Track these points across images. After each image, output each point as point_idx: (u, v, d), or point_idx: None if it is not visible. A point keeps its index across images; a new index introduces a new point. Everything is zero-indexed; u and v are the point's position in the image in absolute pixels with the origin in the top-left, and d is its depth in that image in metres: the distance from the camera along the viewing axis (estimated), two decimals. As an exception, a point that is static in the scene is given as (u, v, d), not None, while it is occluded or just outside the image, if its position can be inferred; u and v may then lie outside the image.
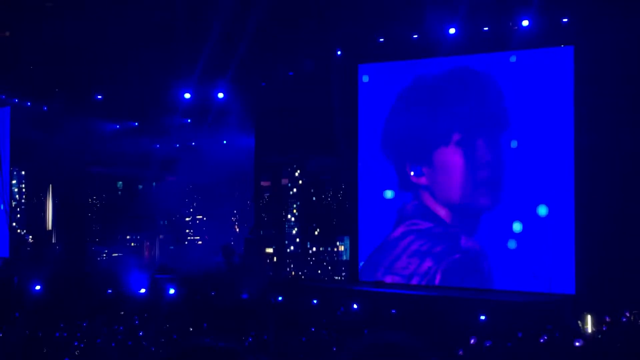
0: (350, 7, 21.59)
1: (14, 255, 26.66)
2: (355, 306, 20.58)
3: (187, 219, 30.06)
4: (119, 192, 29.98)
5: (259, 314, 19.95)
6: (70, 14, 21.74)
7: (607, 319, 18.37)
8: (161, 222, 29.99)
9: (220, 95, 25.60)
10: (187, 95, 25.66)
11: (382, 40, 23.31)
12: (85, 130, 27.11)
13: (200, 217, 29.95)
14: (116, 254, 28.13)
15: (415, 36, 22.84)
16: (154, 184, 30.16)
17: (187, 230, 29.97)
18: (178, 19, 22.42)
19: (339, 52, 24.01)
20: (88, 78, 24.18)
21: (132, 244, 29.07)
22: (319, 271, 25.00)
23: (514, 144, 21.84)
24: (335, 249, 25.10)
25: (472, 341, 16.95)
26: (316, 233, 25.97)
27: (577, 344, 16.37)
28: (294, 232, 26.44)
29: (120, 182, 29.99)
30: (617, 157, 19.82)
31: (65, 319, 19.68)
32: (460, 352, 16.26)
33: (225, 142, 28.18)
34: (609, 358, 15.93)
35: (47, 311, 19.94)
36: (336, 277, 24.65)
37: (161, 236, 29.26)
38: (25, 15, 21.83)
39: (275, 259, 26.02)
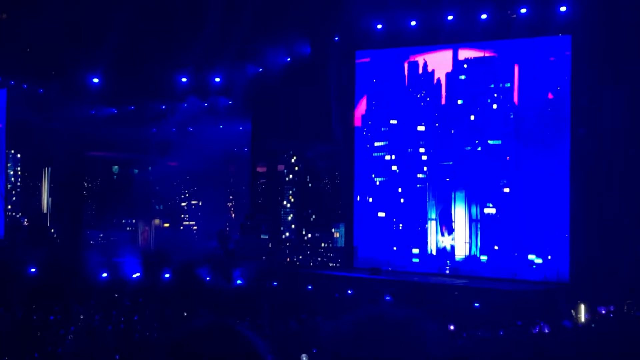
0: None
1: (9, 237, 26.62)
2: (349, 292, 20.62)
3: (182, 204, 30.04)
4: (115, 177, 29.90)
5: (254, 299, 19.97)
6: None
7: (602, 309, 18.44)
8: (157, 207, 29.93)
9: (217, 79, 25.55)
10: (184, 80, 25.61)
11: (380, 27, 23.26)
12: (82, 113, 27.07)
13: (196, 202, 29.93)
14: (112, 238, 28.07)
15: (414, 23, 22.80)
16: (149, 168, 30.09)
17: (183, 215, 29.94)
18: (176, 3, 22.36)
19: (336, 39, 23.95)
20: (86, 61, 24.08)
21: (128, 228, 29.02)
22: (314, 257, 24.99)
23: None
24: (331, 236, 25.11)
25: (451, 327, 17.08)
26: (312, 219, 25.97)
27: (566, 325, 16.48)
28: (289, 218, 26.42)
29: (116, 167, 29.92)
30: (613, 148, 19.83)
31: (59, 302, 19.68)
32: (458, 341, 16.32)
33: (221, 127, 28.13)
34: (603, 347, 15.97)
35: (41, 294, 19.92)
36: (331, 264, 24.65)
37: (157, 221, 29.20)
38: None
39: (270, 245, 26.00)
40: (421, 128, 24.48)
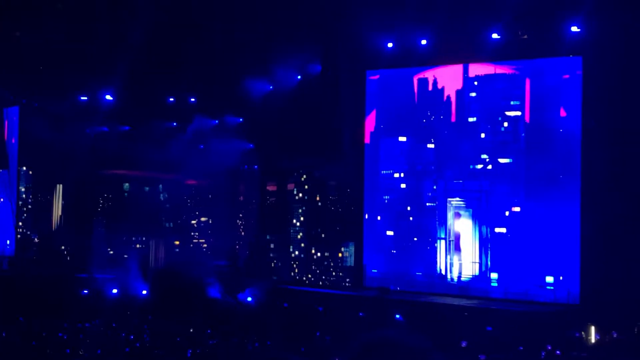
0: (359, 14, 21.61)
1: (20, 254, 26.67)
2: (360, 313, 20.56)
3: (192, 221, 30.03)
4: (125, 194, 29.92)
5: (263, 318, 19.96)
6: (77, 16, 21.85)
7: (613, 333, 18.32)
8: (166, 225, 29.95)
9: (227, 98, 25.63)
10: (192, 100, 25.72)
11: (391, 46, 23.26)
12: (93, 131, 27.19)
13: (205, 219, 29.92)
14: (124, 256, 28.11)
15: (424, 42, 22.80)
16: (160, 186, 30.14)
17: (192, 233, 29.91)
18: (186, 23, 22.47)
19: (346, 58, 23.98)
20: (98, 81, 24.19)
21: (138, 246, 29.02)
22: (323, 276, 24.95)
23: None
24: (340, 255, 25.08)
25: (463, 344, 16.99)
26: (321, 238, 25.94)
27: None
28: (298, 237, 26.41)
29: (127, 184, 29.96)
30: (625, 169, 19.77)
31: (68, 319, 19.72)
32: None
33: (230, 145, 28.19)
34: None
35: (52, 311, 19.96)
36: (342, 284, 24.59)
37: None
38: (32, 17, 21.90)
39: (279, 263, 25.99)
40: (431, 145, 24.31)
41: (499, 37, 21.59)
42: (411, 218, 24.52)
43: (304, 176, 26.45)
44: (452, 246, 23.75)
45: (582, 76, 20.77)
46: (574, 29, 20.49)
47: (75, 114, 25.89)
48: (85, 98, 25.73)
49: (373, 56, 23.64)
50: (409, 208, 24.60)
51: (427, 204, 24.44)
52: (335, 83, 23.80)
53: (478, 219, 23.32)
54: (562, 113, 21.77)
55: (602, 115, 20.15)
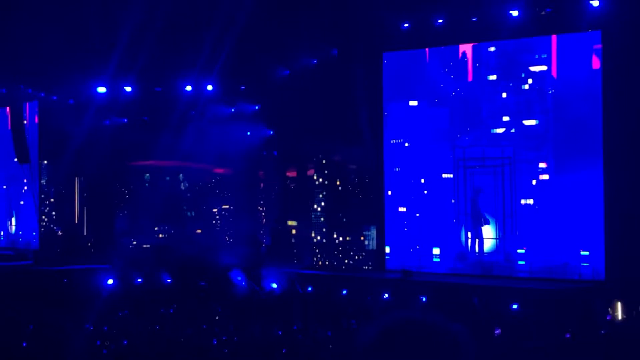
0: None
1: (45, 248, 26.85)
2: (384, 296, 20.52)
3: (214, 209, 30.09)
4: (147, 184, 30.02)
5: (287, 303, 19.98)
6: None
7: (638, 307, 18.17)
8: (188, 214, 30.06)
9: (244, 84, 25.61)
10: (210, 87, 25.69)
11: (407, 26, 22.99)
12: (112, 122, 27.28)
13: (227, 206, 29.97)
14: (146, 245, 28.23)
15: (440, 21, 22.53)
16: (180, 175, 30.21)
17: (214, 221, 29.98)
18: (200, 9, 22.39)
19: (363, 40, 23.82)
20: (115, 71, 24.20)
21: (160, 235, 29.15)
22: (346, 260, 24.94)
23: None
24: (362, 238, 25.05)
25: (497, 332, 16.84)
26: (342, 222, 25.91)
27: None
28: (320, 221, 26.41)
29: (148, 174, 30.05)
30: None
31: (93, 311, 19.79)
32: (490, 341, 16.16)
33: (249, 132, 28.17)
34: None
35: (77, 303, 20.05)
36: (363, 267, 24.58)
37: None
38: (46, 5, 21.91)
39: (301, 249, 26.03)
40: (445, 109, 22.71)
41: (517, 13, 21.20)
42: (425, 191, 23.37)
43: (324, 161, 26.41)
44: (473, 221, 22.60)
45: (602, 51, 20.17)
46: (594, 3, 20.11)
47: (94, 106, 25.93)
48: (104, 89, 25.73)
49: (389, 37, 23.40)
50: (422, 180, 23.43)
51: (443, 175, 23.06)
52: (352, 66, 23.67)
53: (501, 189, 22.02)
54: (595, 64, 20.46)
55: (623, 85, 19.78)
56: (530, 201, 21.67)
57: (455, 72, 22.68)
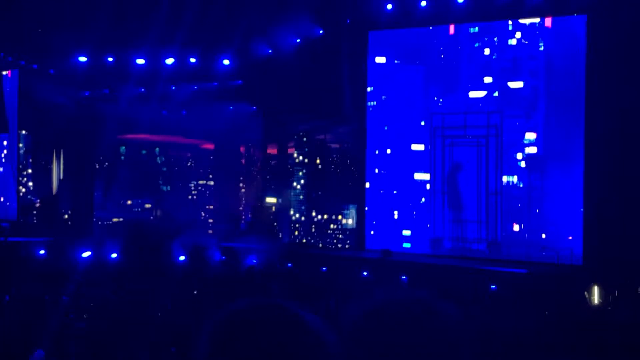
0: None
1: (22, 218, 26.59)
2: (364, 274, 20.53)
3: (191, 184, 29.88)
4: (122, 157, 29.71)
5: (267, 280, 19.96)
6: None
7: (615, 292, 18.28)
8: (164, 188, 29.84)
9: (226, 62, 25.37)
10: (193, 60, 25.46)
11: (390, 7, 22.80)
12: (92, 94, 26.98)
13: (204, 182, 29.79)
14: (117, 219, 28.02)
15: (424, 3, 22.34)
16: (157, 149, 29.95)
17: (190, 197, 29.75)
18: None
19: (348, 20, 23.64)
20: (101, 42, 23.87)
21: (136, 209, 28.91)
22: (324, 239, 24.94)
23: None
24: (340, 217, 25.02)
25: None
26: (322, 201, 25.89)
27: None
28: (299, 199, 26.36)
29: (123, 147, 29.74)
30: (628, 129, 19.56)
31: (68, 283, 19.66)
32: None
33: (231, 108, 28.00)
34: (616, 330, 15.89)
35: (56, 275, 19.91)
36: (340, 245, 24.58)
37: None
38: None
39: (281, 226, 25.99)
40: (419, 67, 20.60)
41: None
42: (393, 164, 21.57)
43: (304, 139, 26.35)
44: (448, 200, 20.83)
45: (586, 36, 19.93)
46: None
47: (74, 77, 25.61)
48: (85, 59, 25.40)
49: (375, 17, 23.20)
50: (389, 151, 21.82)
51: (413, 147, 21.13)
52: (337, 44, 23.52)
53: (482, 163, 20.23)
54: (566, 72, 19.63)
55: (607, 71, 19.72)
56: (514, 179, 20.10)
57: (435, 26, 21.05)
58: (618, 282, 18.35)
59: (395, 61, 21.73)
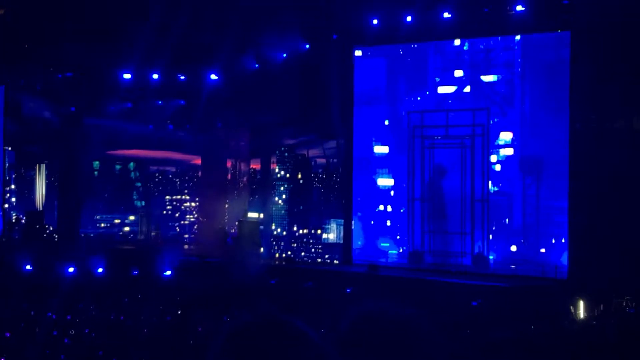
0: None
1: (7, 234, 26.40)
2: (349, 289, 20.54)
3: (167, 197, 29.67)
4: (95, 173, 29.46)
5: (254, 295, 19.92)
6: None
7: (600, 306, 18.39)
8: (138, 204, 29.67)
9: (213, 77, 25.42)
10: (182, 78, 25.53)
11: (376, 22, 22.89)
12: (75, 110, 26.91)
13: (188, 197, 29.70)
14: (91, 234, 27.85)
15: (409, 19, 22.46)
16: (131, 164, 29.75)
17: (164, 212, 29.55)
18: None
19: (334, 36, 23.74)
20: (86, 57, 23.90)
21: (103, 225, 28.48)
22: (307, 254, 24.97)
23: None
24: (320, 232, 25.06)
25: None
26: (303, 216, 25.96)
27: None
28: (281, 214, 26.42)
29: (97, 162, 29.50)
30: (611, 143, 19.75)
31: (56, 299, 19.55)
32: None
33: (219, 125, 28.03)
34: (602, 344, 15.99)
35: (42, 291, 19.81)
36: (319, 259, 24.56)
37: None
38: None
39: (263, 241, 25.98)
40: (382, 60, 19.41)
41: (487, 10, 21.10)
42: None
43: (286, 154, 26.43)
44: (430, 210, 19.54)
45: (570, 52, 19.97)
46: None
47: (61, 93, 25.59)
48: (70, 74, 25.40)
49: (360, 33, 23.29)
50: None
51: (376, 150, 20.00)
52: (321, 60, 23.61)
53: (457, 167, 18.75)
54: (550, 87, 19.14)
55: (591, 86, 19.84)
56: (491, 186, 18.84)
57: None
58: (604, 295, 18.46)
59: (357, 53, 20.70)
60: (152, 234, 27.79)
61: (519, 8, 20.27)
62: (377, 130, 20.33)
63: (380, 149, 19.80)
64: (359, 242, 22.11)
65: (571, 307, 18.77)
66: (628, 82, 19.26)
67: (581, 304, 18.74)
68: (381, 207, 20.73)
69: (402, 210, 20.61)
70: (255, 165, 28.14)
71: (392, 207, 20.65)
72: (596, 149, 19.81)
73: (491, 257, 19.66)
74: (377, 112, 20.25)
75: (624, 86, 19.44)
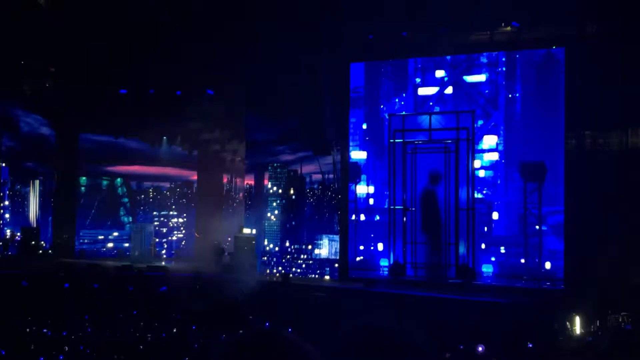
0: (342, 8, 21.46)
1: (2, 250, 26.26)
2: (345, 304, 20.53)
3: (154, 212, 29.53)
4: (82, 188, 29.27)
5: (248, 311, 19.91)
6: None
7: (597, 321, 18.40)
8: (125, 220, 29.50)
9: (209, 90, 25.50)
10: (179, 93, 25.58)
11: (371, 37, 22.96)
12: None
13: (166, 212, 29.52)
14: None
15: (406, 35, 22.56)
16: (118, 180, 29.59)
17: (156, 227, 29.41)
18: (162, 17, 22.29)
19: (330, 51, 23.81)
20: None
21: (85, 240, 28.19)
22: (295, 269, 24.95)
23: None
24: (311, 247, 25.06)
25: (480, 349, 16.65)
26: (295, 232, 25.97)
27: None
28: (274, 229, 26.42)
29: (84, 178, 29.34)
30: (606, 158, 19.83)
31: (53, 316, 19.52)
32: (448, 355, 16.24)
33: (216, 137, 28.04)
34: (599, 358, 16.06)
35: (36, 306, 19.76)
36: (311, 276, 24.53)
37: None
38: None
39: (262, 257, 25.98)
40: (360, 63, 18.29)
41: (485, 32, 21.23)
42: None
43: (279, 170, 26.45)
44: (420, 223, 18.61)
45: (565, 67, 20.02)
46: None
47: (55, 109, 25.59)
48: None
49: (356, 48, 23.37)
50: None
51: (354, 155, 19.08)
52: (317, 75, 23.68)
53: (451, 173, 17.63)
54: (545, 102, 19.23)
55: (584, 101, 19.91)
56: (481, 195, 18.01)
57: None
58: (600, 306, 18.48)
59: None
60: (150, 249, 27.65)
61: (513, 28, 20.41)
62: (355, 135, 19.54)
63: (358, 155, 18.75)
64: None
65: (567, 323, 18.73)
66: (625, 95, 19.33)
67: (577, 317, 18.71)
68: (362, 217, 20.05)
69: (377, 218, 19.92)
70: (250, 181, 28.15)
71: (369, 216, 20.18)
72: (592, 166, 19.81)
73: (487, 270, 19.21)
74: (354, 115, 19.46)
75: (619, 99, 19.55)
